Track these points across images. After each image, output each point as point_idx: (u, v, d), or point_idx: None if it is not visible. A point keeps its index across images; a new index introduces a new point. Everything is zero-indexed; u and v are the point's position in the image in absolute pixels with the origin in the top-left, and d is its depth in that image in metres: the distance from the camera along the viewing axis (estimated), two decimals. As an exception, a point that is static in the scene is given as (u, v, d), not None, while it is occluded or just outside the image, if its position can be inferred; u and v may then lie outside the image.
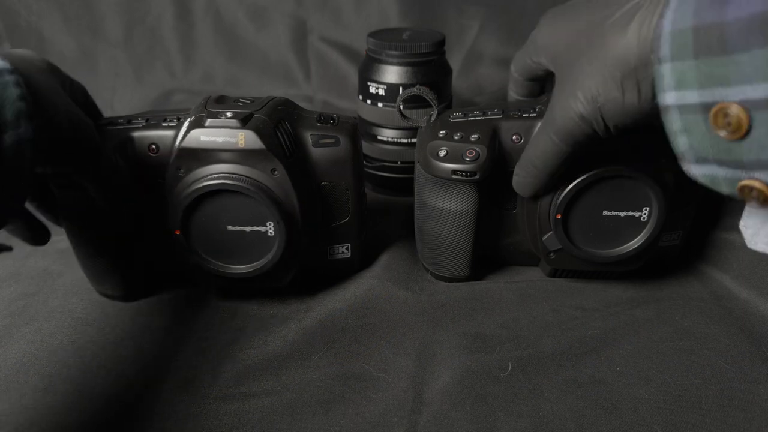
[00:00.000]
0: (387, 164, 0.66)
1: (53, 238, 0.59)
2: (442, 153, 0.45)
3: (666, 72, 0.28)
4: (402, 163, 0.65)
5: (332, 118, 0.48)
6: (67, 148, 0.38)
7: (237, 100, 0.46)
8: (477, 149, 0.45)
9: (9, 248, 0.37)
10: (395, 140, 0.64)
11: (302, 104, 0.91)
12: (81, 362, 0.44)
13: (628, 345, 0.45)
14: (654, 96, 0.31)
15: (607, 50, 0.34)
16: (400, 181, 0.66)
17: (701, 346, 0.45)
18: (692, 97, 0.27)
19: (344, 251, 0.51)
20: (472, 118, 0.47)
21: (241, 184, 0.42)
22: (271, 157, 0.42)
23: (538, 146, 0.41)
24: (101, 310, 0.49)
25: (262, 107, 0.44)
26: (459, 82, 0.90)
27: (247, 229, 0.44)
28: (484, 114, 0.47)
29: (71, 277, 0.52)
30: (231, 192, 0.42)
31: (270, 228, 0.44)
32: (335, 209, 0.49)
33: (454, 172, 0.45)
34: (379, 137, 0.65)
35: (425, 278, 0.53)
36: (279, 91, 0.94)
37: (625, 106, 0.34)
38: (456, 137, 0.46)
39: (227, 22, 0.96)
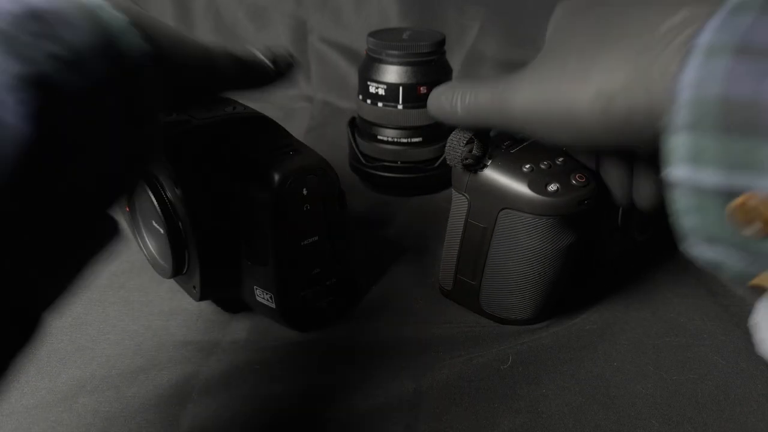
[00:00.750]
0: (387, 164, 0.66)
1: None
2: (553, 188, 0.40)
3: (681, 142, 0.23)
4: (402, 163, 0.66)
5: (292, 151, 0.42)
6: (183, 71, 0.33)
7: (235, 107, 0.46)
8: (581, 172, 0.40)
9: (118, 231, 0.36)
10: (395, 140, 0.65)
11: (302, 104, 0.92)
12: (81, 362, 0.44)
13: (625, 341, 0.45)
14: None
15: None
16: (400, 180, 0.66)
17: (697, 342, 0.45)
18: (710, 177, 0.22)
19: (267, 299, 0.45)
20: (528, 141, 0.43)
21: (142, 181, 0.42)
22: (167, 165, 0.41)
23: (478, 113, 0.37)
24: (101, 309, 0.49)
25: (216, 119, 0.43)
26: (459, 82, 0.90)
27: (162, 231, 0.43)
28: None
29: (71, 276, 0.53)
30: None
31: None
32: (256, 249, 0.43)
33: (581, 202, 0.40)
34: (379, 137, 0.65)
35: (427, 282, 0.53)
36: (279, 91, 0.94)
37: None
38: (543, 166, 0.41)
39: (227, 22, 0.97)
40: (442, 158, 0.65)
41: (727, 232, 0.23)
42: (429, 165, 0.66)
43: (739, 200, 0.21)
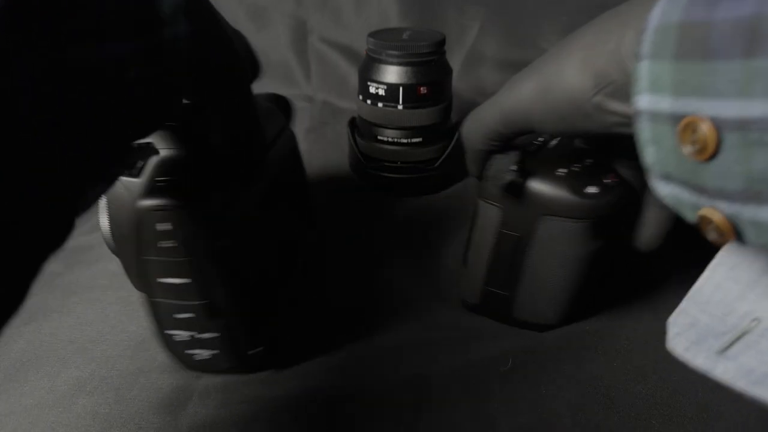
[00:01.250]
0: (387, 164, 0.66)
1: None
2: (591, 190, 0.39)
3: (643, 71, 0.24)
4: (402, 163, 0.66)
5: (166, 181, 0.35)
6: (214, 66, 0.31)
7: None
8: (611, 172, 0.40)
9: (156, 151, 0.32)
10: (395, 140, 0.65)
11: (302, 104, 0.92)
12: (81, 361, 0.44)
13: (625, 341, 0.45)
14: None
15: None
16: (400, 181, 0.66)
17: (699, 342, 0.45)
18: (665, 103, 0.23)
19: None
20: (554, 143, 0.43)
21: None
22: None
23: (486, 124, 0.39)
24: (101, 310, 0.49)
25: None
26: (459, 83, 0.90)
27: None
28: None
29: (70, 277, 0.53)
30: None
31: None
32: None
33: (618, 202, 0.39)
34: (379, 137, 0.65)
35: (427, 282, 0.53)
36: (279, 91, 0.94)
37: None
38: (576, 169, 0.40)
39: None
40: (442, 158, 0.65)
41: (676, 168, 0.24)
42: (429, 165, 0.66)
43: (684, 120, 0.22)
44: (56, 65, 0.20)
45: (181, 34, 0.26)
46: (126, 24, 0.23)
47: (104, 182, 0.25)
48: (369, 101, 0.64)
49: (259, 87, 0.99)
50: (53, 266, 0.55)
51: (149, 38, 0.25)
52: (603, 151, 0.41)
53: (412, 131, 0.64)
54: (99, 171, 0.24)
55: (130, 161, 0.26)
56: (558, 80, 0.31)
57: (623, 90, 0.28)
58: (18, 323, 0.47)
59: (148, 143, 0.31)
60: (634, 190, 0.40)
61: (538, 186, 0.40)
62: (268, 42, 0.96)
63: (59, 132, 0.21)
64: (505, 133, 0.38)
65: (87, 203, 0.24)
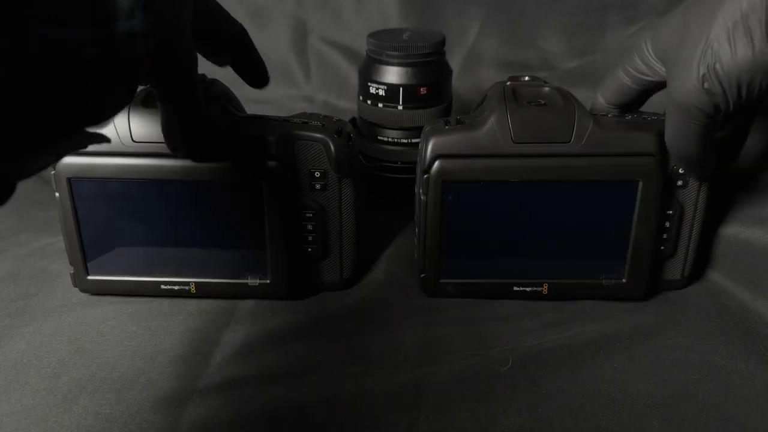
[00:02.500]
0: (387, 164, 0.66)
1: (53, 239, 0.59)
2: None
3: None
4: (402, 163, 0.66)
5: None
6: (166, 60, 0.34)
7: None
8: None
9: (107, 139, 0.33)
10: (395, 140, 0.65)
11: (302, 105, 0.92)
12: (81, 362, 0.44)
13: (625, 341, 0.45)
14: None
15: (716, 7, 0.31)
16: (400, 181, 0.66)
17: (698, 342, 0.45)
18: None
19: None
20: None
21: None
22: None
23: (670, 135, 0.39)
24: (100, 310, 0.49)
25: None
26: (459, 83, 0.90)
27: None
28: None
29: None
30: None
31: None
32: None
33: None
34: (379, 137, 0.65)
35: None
36: (279, 91, 0.94)
37: (737, 60, 0.31)
38: None
39: (228, 23, 0.96)
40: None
41: None
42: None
43: None
44: (20, 39, 0.23)
45: (136, 29, 0.29)
46: (83, 13, 0.26)
47: (51, 156, 0.28)
48: (369, 101, 0.64)
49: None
50: (53, 267, 0.55)
51: (105, 29, 0.28)
52: None
53: (412, 132, 0.64)
54: (48, 146, 0.27)
55: (80, 142, 0.29)
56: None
57: None
58: (18, 324, 0.47)
59: (101, 134, 0.32)
60: None
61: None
62: (268, 42, 0.96)
63: (19, 101, 0.24)
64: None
65: (30, 172, 0.26)
